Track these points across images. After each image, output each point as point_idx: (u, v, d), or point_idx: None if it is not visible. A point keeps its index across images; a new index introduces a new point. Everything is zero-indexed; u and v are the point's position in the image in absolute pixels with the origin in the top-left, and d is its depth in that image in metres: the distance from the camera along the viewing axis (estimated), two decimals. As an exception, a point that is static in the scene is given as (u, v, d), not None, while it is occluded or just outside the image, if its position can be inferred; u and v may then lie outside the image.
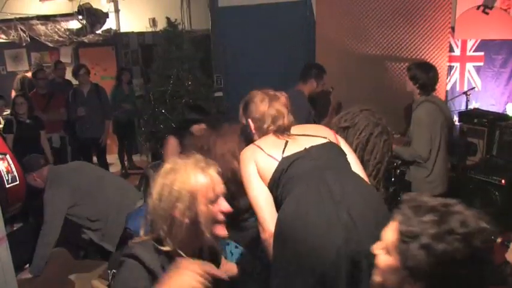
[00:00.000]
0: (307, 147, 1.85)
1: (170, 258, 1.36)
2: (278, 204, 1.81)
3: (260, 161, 1.85)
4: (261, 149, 1.88)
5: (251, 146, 1.94)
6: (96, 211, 3.15)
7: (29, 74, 6.57)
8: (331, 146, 1.89)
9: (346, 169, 1.84)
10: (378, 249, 1.16)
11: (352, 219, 1.63)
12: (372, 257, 1.58)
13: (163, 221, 1.35)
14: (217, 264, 1.59)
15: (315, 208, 1.67)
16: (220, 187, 1.42)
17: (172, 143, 3.30)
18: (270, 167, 1.82)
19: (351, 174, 1.82)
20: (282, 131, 1.95)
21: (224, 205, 1.41)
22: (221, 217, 1.41)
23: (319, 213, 1.66)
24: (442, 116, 3.30)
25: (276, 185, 1.81)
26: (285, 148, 1.86)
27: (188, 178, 1.34)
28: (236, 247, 2.23)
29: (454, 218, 1.04)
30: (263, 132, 1.97)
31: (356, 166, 1.90)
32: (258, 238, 1.90)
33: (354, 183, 1.76)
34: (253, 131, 2.02)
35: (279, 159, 1.83)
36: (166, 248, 1.35)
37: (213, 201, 1.38)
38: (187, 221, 1.33)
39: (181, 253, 1.36)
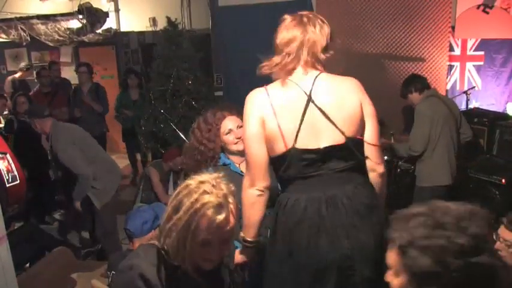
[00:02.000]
0: (323, 147, 1.66)
1: (174, 269, 1.35)
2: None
3: (269, 128, 1.67)
4: (275, 113, 1.66)
5: (263, 95, 1.72)
6: (97, 169, 3.48)
7: (17, 75, 6.52)
8: (348, 150, 1.69)
9: (353, 187, 1.68)
10: (389, 277, 1.17)
11: (350, 246, 1.62)
12: (367, 282, 1.63)
13: (165, 231, 1.35)
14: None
15: (315, 234, 1.63)
16: (225, 233, 1.30)
17: None
18: (279, 146, 1.66)
19: (357, 194, 1.68)
20: (313, 63, 1.79)
21: (214, 254, 1.33)
22: (204, 264, 1.34)
23: (318, 239, 1.62)
24: (446, 109, 3.39)
25: (278, 166, 1.71)
26: (299, 130, 1.64)
27: (196, 209, 1.28)
28: None
29: (438, 212, 1.08)
30: (298, 60, 1.80)
31: (372, 151, 1.76)
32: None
33: (356, 206, 1.66)
34: (287, 61, 1.82)
35: (290, 145, 1.64)
36: (174, 263, 1.34)
37: (206, 244, 1.30)
38: (177, 243, 1.30)
39: (187, 268, 1.34)
